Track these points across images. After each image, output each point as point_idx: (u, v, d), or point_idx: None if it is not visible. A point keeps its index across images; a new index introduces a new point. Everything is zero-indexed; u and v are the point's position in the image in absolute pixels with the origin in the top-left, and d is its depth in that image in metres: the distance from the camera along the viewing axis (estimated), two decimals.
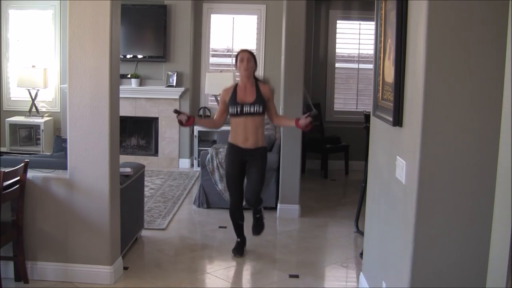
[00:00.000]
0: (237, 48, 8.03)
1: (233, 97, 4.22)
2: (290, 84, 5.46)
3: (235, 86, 4.28)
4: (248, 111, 4.18)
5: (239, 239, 4.52)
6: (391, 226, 2.95)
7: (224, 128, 7.06)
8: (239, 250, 4.47)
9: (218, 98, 7.63)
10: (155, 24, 7.71)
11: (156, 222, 5.18)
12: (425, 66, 2.38)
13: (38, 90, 7.78)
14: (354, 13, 8.07)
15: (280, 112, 5.54)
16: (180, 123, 4.17)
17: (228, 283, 4.01)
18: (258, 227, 4.49)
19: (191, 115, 4.28)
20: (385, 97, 3.04)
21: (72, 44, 3.65)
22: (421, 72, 2.41)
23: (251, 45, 7.96)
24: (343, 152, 7.70)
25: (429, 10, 2.35)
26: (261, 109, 4.19)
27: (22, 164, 3.61)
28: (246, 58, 4.22)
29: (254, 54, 4.35)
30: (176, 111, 4.19)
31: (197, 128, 7.68)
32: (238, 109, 4.18)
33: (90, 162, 3.70)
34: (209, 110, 7.92)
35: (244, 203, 4.42)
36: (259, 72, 7.88)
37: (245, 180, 4.39)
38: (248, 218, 4.53)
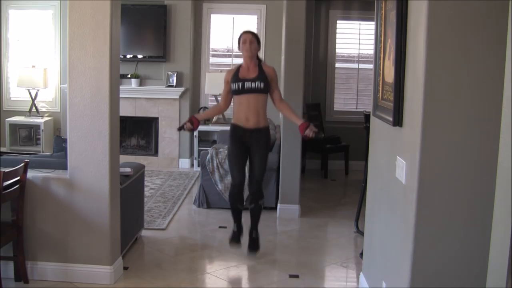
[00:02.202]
0: (237, 48, 8.02)
1: (235, 75, 4.24)
2: (290, 84, 5.46)
3: (238, 67, 4.31)
4: (249, 87, 4.17)
5: (235, 227, 4.47)
6: (391, 226, 2.95)
7: (224, 128, 7.12)
8: (235, 239, 4.45)
9: (219, 99, 7.65)
10: (155, 24, 7.71)
11: (156, 222, 5.18)
12: (425, 66, 2.38)
13: (38, 90, 7.79)
14: (354, 13, 8.07)
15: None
16: (191, 131, 4.25)
17: (228, 283, 4.01)
18: (254, 246, 4.40)
19: (191, 117, 4.30)
20: (385, 97, 3.04)
21: (72, 44, 3.65)
22: (421, 72, 2.41)
23: None
24: (343, 152, 7.70)
25: (429, 10, 2.35)
26: (262, 85, 4.18)
27: (22, 164, 3.61)
28: (249, 39, 4.23)
29: (257, 35, 4.36)
30: (179, 129, 4.32)
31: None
32: (240, 85, 4.18)
33: (90, 162, 3.70)
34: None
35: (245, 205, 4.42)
36: None
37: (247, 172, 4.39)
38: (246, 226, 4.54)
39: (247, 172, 4.44)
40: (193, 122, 4.26)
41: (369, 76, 6.87)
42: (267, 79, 4.22)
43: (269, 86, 4.25)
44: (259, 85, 4.18)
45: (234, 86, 4.21)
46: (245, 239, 4.54)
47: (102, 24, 3.60)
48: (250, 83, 4.18)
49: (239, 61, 7.87)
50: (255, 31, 7.89)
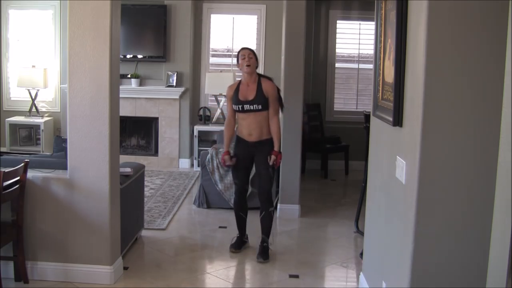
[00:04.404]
0: (237, 48, 8.02)
1: (235, 95, 4.35)
2: (290, 84, 5.46)
3: (238, 84, 4.39)
4: (249, 109, 4.30)
5: (239, 234, 4.58)
6: (391, 226, 2.95)
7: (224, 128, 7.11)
8: (235, 245, 4.52)
9: (218, 98, 7.66)
10: (155, 24, 7.71)
11: (156, 222, 5.18)
12: (425, 66, 2.38)
13: (38, 90, 7.79)
14: (354, 13, 8.07)
15: (281, 111, 5.46)
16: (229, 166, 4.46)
17: (228, 283, 4.01)
18: (263, 255, 4.38)
19: (225, 153, 4.42)
20: (385, 97, 3.04)
21: (72, 44, 3.65)
22: (421, 72, 2.41)
23: (251, 45, 7.96)
24: (343, 152, 7.70)
25: (429, 10, 2.35)
26: (260, 107, 4.29)
27: (22, 164, 3.61)
28: (247, 54, 4.33)
29: (255, 51, 4.45)
30: (227, 166, 4.49)
31: (197, 128, 7.69)
32: (240, 107, 4.33)
33: (90, 162, 3.70)
34: (209, 110, 7.92)
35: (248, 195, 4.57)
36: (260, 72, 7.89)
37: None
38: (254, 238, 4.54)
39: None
40: (229, 155, 4.42)
41: (369, 76, 6.87)
42: (266, 98, 4.29)
43: (267, 104, 4.30)
44: (257, 107, 4.29)
45: (235, 107, 4.37)
46: (253, 246, 4.55)
47: (102, 24, 3.60)
48: (249, 105, 4.29)
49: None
50: (255, 31, 7.92)
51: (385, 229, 3.13)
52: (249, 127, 4.33)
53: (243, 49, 4.40)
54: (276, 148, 4.33)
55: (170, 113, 7.80)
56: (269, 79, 4.41)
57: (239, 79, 4.49)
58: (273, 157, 4.30)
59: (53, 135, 7.75)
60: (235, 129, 4.54)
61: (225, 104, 7.70)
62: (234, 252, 4.47)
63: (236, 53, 4.46)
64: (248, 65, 4.28)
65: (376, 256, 3.39)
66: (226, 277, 4.09)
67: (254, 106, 4.27)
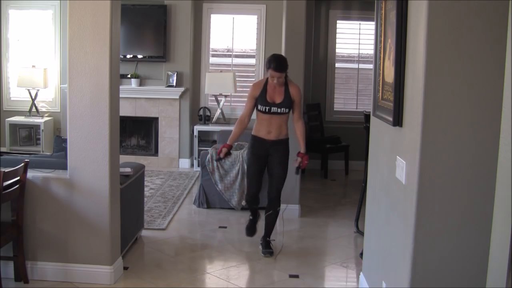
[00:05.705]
0: (237, 48, 8.04)
1: (262, 95, 4.34)
2: None
3: (265, 83, 4.37)
4: (275, 112, 4.34)
5: (251, 215, 4.70)
6: (391, 226, 2.95)
7: (225, 128, 7.12)
8: (251, 229, 4.67)
9: (218, 98, 7.65)
10: (155, 24, 7.71)
11: (156, 222, 5.18)
12: (425, 66, 2.39)
13: (38, 90, 7.79)
14: (354, 13, 8.07)
15: None
16: (226, 155, 4.47)
17: (228, 283, 4.01)
18: (269, 249, 4.49)
19: (224, 146, 4.43)
20: (385, 97, 3.04)
21: (72, 44, 3.65)
22: (421, 72, 2.41)
23: (251, 45, 7.97)
24: (343, 152, 7.70)
25: (429, 10, 2.35)
26: (287, 111, 4.37)
27: (22, 164, 3.61)
28: (277, 77, 4.24)
29: (286, 61, 4.30)
30: (217, 159, 4.63)
31: (197, 128, 7.69)
32: (266, 109, 4.34)
33: (90, 162, 3.70)
34: (209, 110, 7.91)
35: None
36: (260, 73, 7.88)
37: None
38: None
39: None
40: (228, 149, 4.45)
41: (369, 76, 6.87)
42: (292, 102, 4.36)
43: (293, 107, 4.39)
44: (284, 111, 4.35)
45: (260, 108, 4.35)
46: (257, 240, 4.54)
47: (102, 24, 3.60)
48: (276, 108, 4.33)
49: (240, 61, 7.94)
50: (255, 31, 7.91)
51: (385, 229, 3.13)
52: (269, 126, 4.37)
53: (275, 70, 4.20)
54: (302, 150, 4.43)
55: (170, 113, 7.80)
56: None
57: (266, 77, 4.39)
58: (298, 158, 4.40)
59: (53, 135, 7.76)
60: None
61: (225, 104, 7.76)
62: (252, 234, 4.66)
63: (268, 59, 4.29)
64: (276, 83, 4.30)
65: (376, 256, 3.39)
66: (226, 277, 4.09)
67: (282, 109, 4.33)
